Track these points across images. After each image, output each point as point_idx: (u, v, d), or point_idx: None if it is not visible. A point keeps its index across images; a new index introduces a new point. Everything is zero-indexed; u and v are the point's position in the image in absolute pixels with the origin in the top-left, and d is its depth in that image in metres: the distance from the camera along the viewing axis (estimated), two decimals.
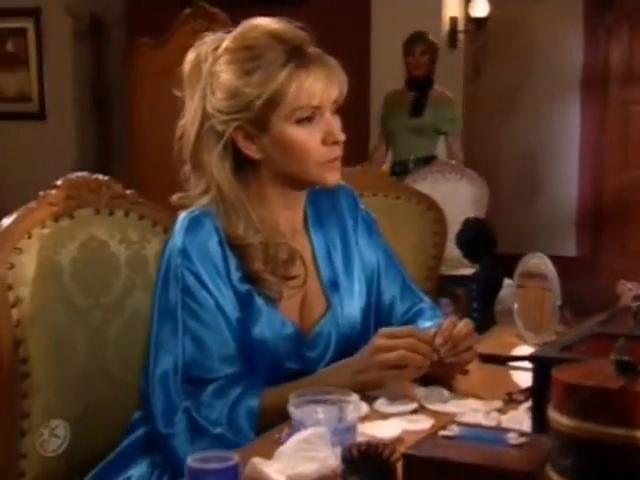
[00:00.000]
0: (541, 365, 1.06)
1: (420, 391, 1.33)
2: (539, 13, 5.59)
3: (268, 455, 1.04)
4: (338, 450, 1.00)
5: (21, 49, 5.33)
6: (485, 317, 2.42)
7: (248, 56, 1.35)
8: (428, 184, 3.60)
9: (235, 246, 1.37)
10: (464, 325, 1.36)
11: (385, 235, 1.60)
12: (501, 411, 1.25)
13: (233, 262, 1.37)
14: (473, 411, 1.22)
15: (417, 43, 4.42)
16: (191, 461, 0.87)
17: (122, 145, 5.01)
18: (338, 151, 1.40)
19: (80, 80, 5.19)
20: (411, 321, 1.53)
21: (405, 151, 4.44)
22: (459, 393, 1.34)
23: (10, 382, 1.45)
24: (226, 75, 1.36)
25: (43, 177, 1.57)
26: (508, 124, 5.75)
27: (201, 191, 1.40)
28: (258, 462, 1.01)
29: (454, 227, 2.66)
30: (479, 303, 2.59)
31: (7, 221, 1.48)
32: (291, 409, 1.06)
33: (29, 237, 1.48)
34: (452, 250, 2.82)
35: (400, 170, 4.29)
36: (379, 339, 1.32)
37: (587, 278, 5.15)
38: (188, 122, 1.40)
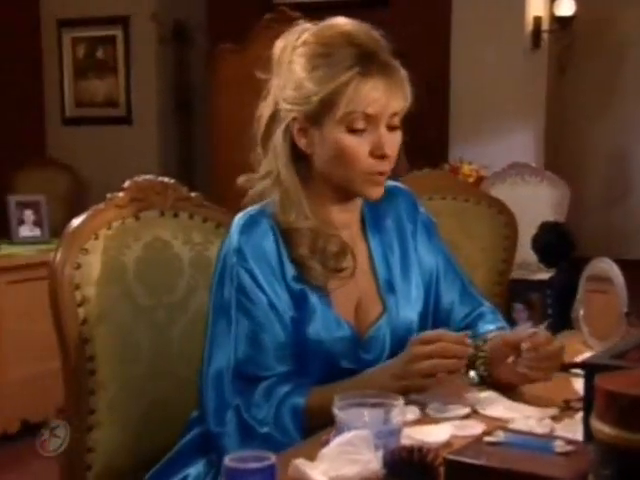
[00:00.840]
0: (592, 372, 1.03)
1: (474, 396, 1.31)
2: (630, 11, 5.43)
3: (313, 457, 1.05)
4: (381, 453, 1.00)
5: (110, 56, 5.50)
6: (561, 323, 2.36)
7: (318, 52, 1.36)
8: (507, 187, 3.54)
9: (285, 231, 1.38)
10: (558, 346, 1.33)
11: (454, 238, 1.59)
12: (556, 419, 1.22)
13: (287, 261, 1.38)
14: (526, 418, 1.20)
15: None
16: (228, 461, 0.88)
17: (204, 147, 5.11)
18: (385, 166, 1.38)
19: (164, 85, 5.32)
20: (471, 325, 1.51)
21: None
22: (516, 399, 1.32)
23: (77, 379, 1.50)
24: (297, 66, 1.37)
25: (129, 178, 1.62)
26: (595, 125, 5.60)
27: (264, 174, 1.42)
28: (301, 463, 1.01)
29: (533, 231, 2.62)
30: (555, 309, 2.53)
31: (76, 222, 1.53)
32: (335, 411, 1.06)
33: (96, 238, 1.52)
34: (528, 254, 2.76)
35: None
36: (414, 347, 1.30)
37: None
38: (266, 103, 1.42)
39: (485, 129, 4.61)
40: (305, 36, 1.39)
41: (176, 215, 1.64)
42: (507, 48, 4.59)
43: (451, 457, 0.97)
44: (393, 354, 1.42)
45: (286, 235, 1.39)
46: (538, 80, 4.80)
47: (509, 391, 1.35)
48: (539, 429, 1.15)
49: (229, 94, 4.51)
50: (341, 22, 1.40)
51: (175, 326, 1.60)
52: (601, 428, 0.84)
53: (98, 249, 1.52)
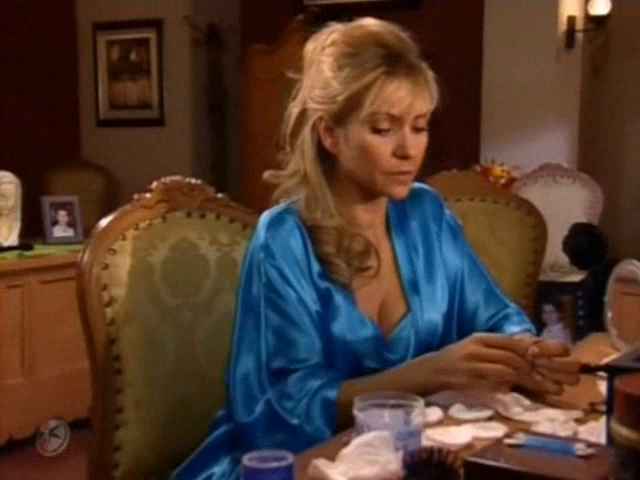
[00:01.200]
0: (613, 375, 1.02)
1: (497, 398, 1.30)
2: None
3: (334, 457, 1.05)
4: (400, 454, 1.00)
5: (143, 59, 5.55)
6: (592, 326, 2.34)
7: (346, 52, 1.37)
8: (539, 188, 3.51)
9: (311, 228, 1.39)
10: (574, 360, 1.32)
11: (483, 239, 1.58)
12: (580, 421, 1.21)
13: (313, 258, 1.39)
14: (549, 420, 1.19)
15: None
16: (247, 460, 0.88)
17: (235, 148, 5.14)
18: (408, 166, 1.38)
19: (197, 87, 5.35)
20: (496, 327, 1.50)
21: None
22: (540, 401, 1.31)
23: (104, 378, 1.51)
24: (324, 66, 1.38)
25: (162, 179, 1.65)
26: (630, 126, 5.52)
27: (291, 172, 1.43)
28: (320, 463, 1.01)
29: (565, 233, 2.60)
30: (585, 311, 2.51)
31: (103, 223, 1.55)
32: (355, 412, 1.06)
33: (123, 238, 1.54)
34: (560, 256, 2.74)
35: None
36: (473, 345, 1.29)
37: None
38: (295, 102, 1.43)
39: (517, 130, 4.57)
40: (334, 36, 1.40)
41: (203, 216, 1.66)
42: (540, 48, 4.55)
43: (470, 459, 0.96)
44: (417, 354, 1.41)
45: (312, 232, 1.40)
46: (571, 80, 4.75)
47: (533, 393, 1.34)
48: (562, 432, 1.14)
49: (260, 95, 4.53)
50: (370, 23, 1.40)
51: (200, 326, 1.62)
52: (620, 431, 0.83)
53: (125, 250, 1.53)
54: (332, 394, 1.30)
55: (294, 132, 1.43)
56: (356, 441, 1.01)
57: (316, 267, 1.39)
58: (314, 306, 1.37)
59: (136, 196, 1.60)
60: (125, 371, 1.52)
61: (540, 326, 3.01)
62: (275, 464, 0.88)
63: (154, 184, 1.62)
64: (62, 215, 3.74)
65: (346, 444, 1.07)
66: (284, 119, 1.45)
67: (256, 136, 4.51)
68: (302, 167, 1.41)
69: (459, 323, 1.51)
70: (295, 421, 1.29)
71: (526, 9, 4.56)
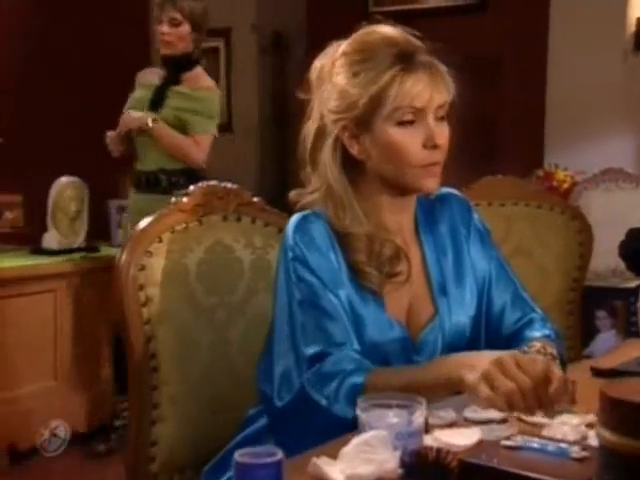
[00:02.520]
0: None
1: None
2: None
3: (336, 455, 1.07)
4: (398, 453, 1.02)
5: (212, 67, 5.67)
6: None
7: (358, 59, 1.40)
8: (600, 193, 3.45)
9: (341, 235, 1.41)
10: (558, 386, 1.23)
11: (527, 244, 1.58)
12: (592, 426, 1.20)
13: (343, 261, 1.41)
14: (562, 424, 1.19)
15: (167, 7, 3.25)
16: (238, 456, 0.91)
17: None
18: (438, 156, 1.40)
19: (263, 94, 5.43)
20: (520, 331, 1.50)
21: (149, 160, 3.36)
22: (558, 404, 1.30)
23: (141, 375, 1.57)
24: (338, 77, 1.41)
25: (230, 184, 1.71)
26: None
27: (314, 188, 1.46)
28: (320, 461, 1.04)
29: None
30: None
31: (141, 226, 1.60)
32: (358, 412, 1.08)
33: (160, 241, 1.59)
34: (618, 261, 2.69)
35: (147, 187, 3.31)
36: (508, 357, 1.21)
37: None
38: (310, 124, 1.46)
39: (582, 134, 4.48)
40: (342, 48, 1.43)
41: (239, 219, 1.70)
42: (607, 51, 4.45)
43: (464, 459, 0.98)
44: None
45: (342, 239, 1.42)
46: (638, 83, 4.63)
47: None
48: (572, 436, 1.14)
49: None
50: (377, 28, 1.43)
51: (234, 327, 1.66)
52: (604, 434, 0.84)
53: (162, 252, 1.58)
54: (359, 380, 1.30)
55: (313, 149, 1.45)
56: (355, 440, 1.04)
57: (346, 271, 1.41)
58: (346, 301, 1.39)
59: (173, 199, 1.65)
60: (161, 369, 1.57)
61: (593, 332, 2.96)
62: (266, 460, 0.91)
63: (191, 188, 1.67)
64: (126, 218, 3.87)
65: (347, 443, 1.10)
66: (301, 140, 1.48)
67: None
68: (325, 182, 1.43)
69: (487, 326, 1.52)
70: (324, 402, 1.30)
71: (593, 11, 4.47)
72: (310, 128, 1.46)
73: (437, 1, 4.98)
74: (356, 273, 1.41)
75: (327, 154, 1.43)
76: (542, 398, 1.18)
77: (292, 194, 1.51)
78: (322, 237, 1.41)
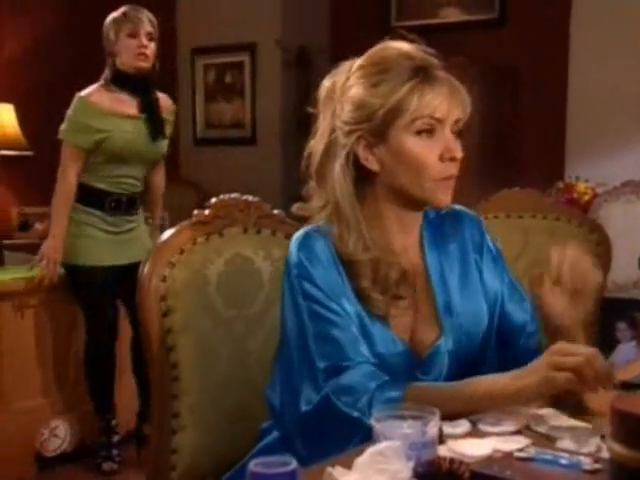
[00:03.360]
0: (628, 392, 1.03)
1: (530, 412, 1.31)
2: None
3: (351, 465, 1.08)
4: (411, 464, 1.03)
5: (237, 81, 5.73)
6: None
7: (376, 70, 1.40)
8: (620, 205, 3.44)
9: (345, 262, 1.41)
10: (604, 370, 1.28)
11: (545, 257, 1.56)
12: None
13: (346, 280, 1.41)
14: (575, 436, 1.19)
15: (144, 22, 3.27)
16: (252, 465, 0.91)
17: None
18: (454, 169, 1.40)
19: (287, 108, 5.47)
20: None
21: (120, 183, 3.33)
22: (577, 416, 1.30)
23: (162, 384, 1.59)
24: (355, 89, 1.41)
25: (253, 195, 1.73)
26: None
27: (320, 205, 1.46)
28: (334, 471, 1.05)
29: None
30: None
31: (163, 237, 1.63)
32: (373, 422, 1.09)
33: (181, 253, 1.61)
34: (637, 273, 2.69)
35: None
36: (556, 345, 1.28)
37: None
38: (317, 139, 1.46)
39: (604, 146, 4.47)
40: (358, 62, 1.44)
41: (259, 232, 1.72)
42: (629, 63, 4.44)
43: (476, 469, 0.99)
44: (451, 376, 1.42)
45: (346, 265, 1.41)
46: None
47: (572, 409, 1.33)
48: (585, 448, 1.14)
49: None
50: (391, 44, 1.44)
51: (253, 337, 1.68)
52: (613, 447, 0.85)
53: (183, 263, 1.60)
54: (397, 394, 1.30)
55: (322, 165, 1.44)
56: (369, 450, 1.05)
57: (349, 292, 1.40)
58: (353, 313, 1.39)
59: (195, 212, 1.68)
60: (181, 378, 1.59)
61: (613, 344, 2.94)
62: (280, 469, 0.92)
63: (212, 201, 1.69)
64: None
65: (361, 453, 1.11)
66: (304, 157, 1.48)
67: None
68: (333, 199, 1.43)
69: (503, 342, 1.51)
70: (356, 414, 1.30)
71: (614, 23, 4.47)
72: (317, 145, 1.45)
73: (457, 15, 5.00)
74: (362, 300, 1.40)
75: (338, 169, 1.42)
76: (601, 370, 1.23)
77: (295, 208, 1.51)
78: (325, 254, 1.40)
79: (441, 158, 1.39)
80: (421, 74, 1.37)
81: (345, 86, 1.43)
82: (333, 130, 1.43)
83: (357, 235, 1.42)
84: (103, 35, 3.30)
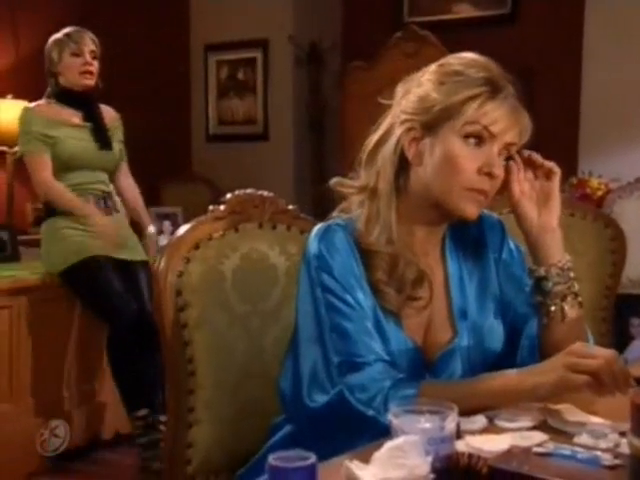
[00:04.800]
0: None
1: (546, 407, 1.31)
2: None
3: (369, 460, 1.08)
4: (430, 459, 1.03)
5: (250, 77, 5.74)
6: None
7: (450, 71, 1.40)
8: (634, 201, 3.42)
9: (364, 251, 1.41)
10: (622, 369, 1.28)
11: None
12: (626, 433, 1.20)
13: (364, 279, 1.40)
14: (593, 432, 1.19)
15: (87, 40, 3.35)
16: (271, 459, 0.92)
17: (335, 162, 5.22)
18: (488, 185, 1.38)
19: (299, 103, 5.48)
20: None
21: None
22: (592, 413, 1.30)
23: (178, 379, 1.60)
24: (424, 85, 1.42)
25: (266, 191, 1.74)
26: None
27: (359, 185, 1.47)
28: (352, 465, 1.05)
29: None
30: None
31: (179, 233, 1.63)
32: (391, 417, 1.09)
33: (197, 248, 1.61)
34: None
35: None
36: (575, 345, 1.28)
37: None
38: (377, 132, 1.47)
39: (617, 142, 4.46)
40: (440, 61, 1.43)
41: (274, 227, 1.72)
42: None
43: (495, 464, 0.99)
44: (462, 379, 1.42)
45: (364, 255, 1.41)
46: None
47: (588, 406, 1.33)
48: (604, 444, 1.14)
49: (359, 111, 4.59)
50: (469, 54, 1.43)
51: (268, 332, 1.68)
52: (635, 442, 0.85)
53: (199, 258, 1.61)
54: (412, 391, 1.30)
55: (373, 150, 1.46)
56: (387, 445, 1.05)
57: (366, 287, 1.41)
58: (370, 310, 1.39)
59: (211, 207, 1.68)
60: (197, 373, 1.60)
61: (627, 339, 2.93)
62: (299, 463, 0.92)
63: (227, 196, 1.69)
64: (166, 225, 3.96)
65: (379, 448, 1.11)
66: (363, 148, 1.49)
67: (354, 151, 4.56)
68: (373, 182, 1.44)
69: (528, 346, 1.50)
70: (371, 412, 1.31)
71: (627, 19, 4.45)
72: (375, 135, 1.47)
73: (469, 11, 4.99)
74: (375, 292, 1.41)
75: (386, 155, 1.43)
76: (619, 373, 1.23)
77: (333, 182, 1.51)
78: (344, 245, 1.41)
79: (479, 170, 1.37)
80: (490, 86, 1.36)
81: (420, 80, 1.44)
82: (395, 120, 1.44)
83: (384, 225, 1.42)
84: (45, 55, 3.36)
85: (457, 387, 1.34)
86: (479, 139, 1.36)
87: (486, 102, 1.35)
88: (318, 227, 1.45)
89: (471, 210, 1.39)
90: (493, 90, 1.36)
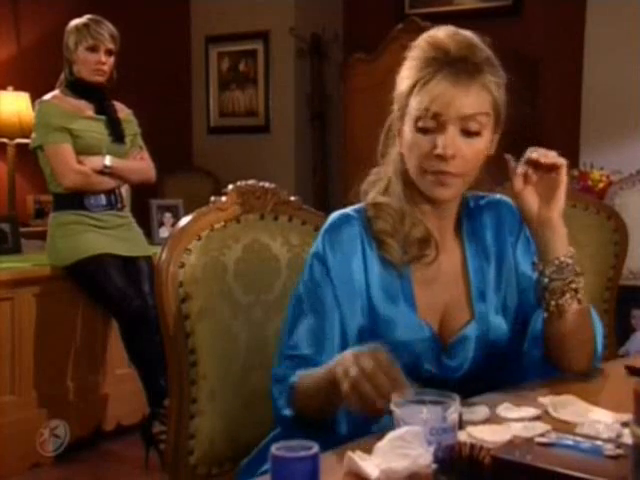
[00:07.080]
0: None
1: (548, 398, 1.31)
2: None
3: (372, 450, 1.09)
4: (432, 449, 1.03)
5: (251, 69, 5.73)
6: None
7: (411, 55, 1.42)
8: (636, 193, 3.42)
9: (372, 207, 1.45)
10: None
11: None
12: (628, 424, 1.20)
13: (372, 257, 1.42)
14: (595, 422, 1.19)
15: (105, 38, 3.35)
16: (275, 449, 0.92)
17: (337, 154, 5.23)
18: (443, 166, 1.37)
19: (300, 95, 5.47)
20: None
21: None
22: (594, 404, 1.31)
23: (180, 370, 1.60)
24: (399, 77, 1.44)
25: (267, 183, 1.75)
26: None
27: (374, 180, 1.49)
28: (354, 455, 1.06)
29: None
30: None
31: (181, 224, 1.63)
32: (393, 408, 1.10)
33: (199, 239, 1.61)
34: None
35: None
36: (367, 348, 1.22)
37: None
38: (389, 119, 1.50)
39: (619, 134, 4.45)
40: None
41: (276, 218, 1.72)
42: None
43: (498, 454, 0.99)
44: (477, 362, 1.43)
45: (373, 211, 1.44)
46: None
47: (588, 397, 1.34)
48: (605, 434, 1.14)
49: (360, 103, 4.60)
50: (439, 29, 1.43)
51: (271, 323, 1.68)
52: (637, 432, 0.85)
53: (201, 249, 1.61)
54: (293, 379, 1.38)
55: (384, 144, 1.50)
56: (390, 435, 1.05)
57: (373, 270, 1.42)
58: (356, 316, 1.41)
59: (212, 199, 1.68)
60: (200, 364, 1.60)
61: (629, 331, 2.94)
62: (302, 453, 0.92)
63: (229, 187, 1.69)
64: (167, 217, 3.96)
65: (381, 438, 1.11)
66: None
67: (356, 143, 4.57)
68: (386, 175, 1.48)
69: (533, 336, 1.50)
70: (287, 412, 1.41)
71: (629, 12, 4.44)
72: (386, 124, 1.50)
73: (472, 3, 4.97)
74: (378, 244, 1.43)
75: (393, 148, 1.47)
76: (383, 384, 1.16)
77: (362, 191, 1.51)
78: (352, 241, 1.43)
79: (428, 154, 1.38)
80: (437, 65, 1.36)
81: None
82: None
83: (393, 192, 1.45)
84: (64, 40, 3.36)
85: (311, 376, 1.35)
86: (430, 126, 1.37)
87: (428, 82, 1.36)
88: (334, 215, 1.47)
89: (438, 192, 1.40)
90: (439, 66, 1.35)
